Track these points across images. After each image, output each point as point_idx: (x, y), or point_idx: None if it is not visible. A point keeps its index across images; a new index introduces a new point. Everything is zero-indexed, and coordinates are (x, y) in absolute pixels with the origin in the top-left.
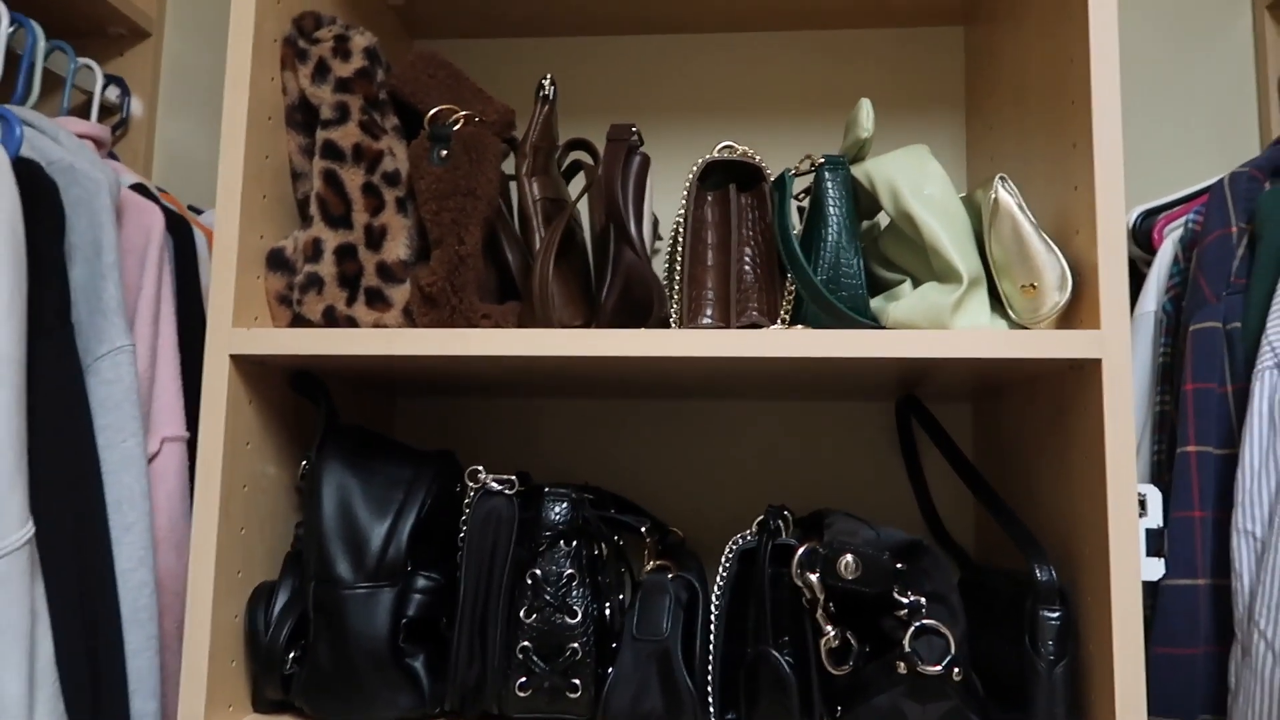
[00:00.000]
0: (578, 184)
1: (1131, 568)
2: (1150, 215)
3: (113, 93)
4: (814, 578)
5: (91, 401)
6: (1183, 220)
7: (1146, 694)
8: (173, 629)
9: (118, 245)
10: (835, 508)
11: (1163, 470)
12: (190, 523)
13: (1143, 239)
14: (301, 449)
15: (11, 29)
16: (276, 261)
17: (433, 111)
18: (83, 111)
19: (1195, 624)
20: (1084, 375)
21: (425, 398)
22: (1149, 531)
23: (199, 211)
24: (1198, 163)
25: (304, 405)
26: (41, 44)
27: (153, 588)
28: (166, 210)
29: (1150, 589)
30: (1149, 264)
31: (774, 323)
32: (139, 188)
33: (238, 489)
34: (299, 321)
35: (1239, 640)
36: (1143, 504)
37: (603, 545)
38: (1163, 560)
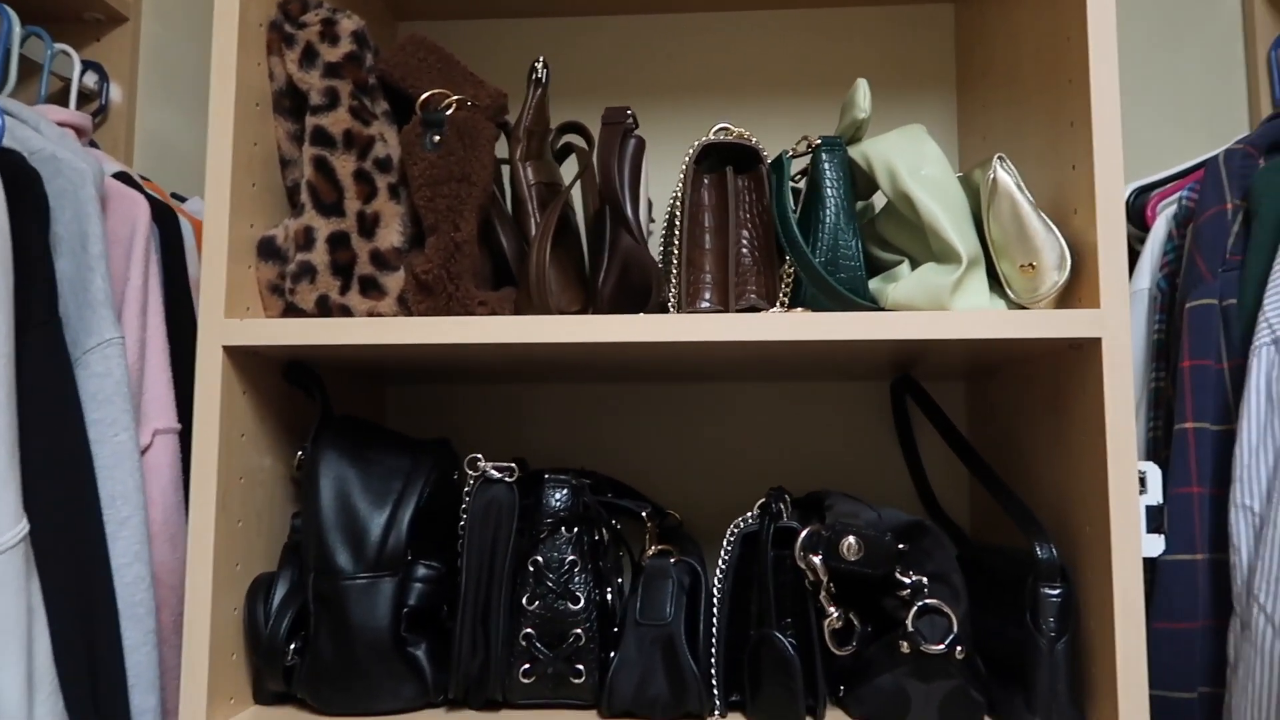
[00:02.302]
0: (568, 166)
1: (1133, 545)
2: (1143, 192)
3: (90, 79)
4: (817, 560)
5: (82, 395)
6: (1176, 197)
7: (1148, 668)
8: (169, 623)
9: (104, 236)
10: (831, 488)
11: (1158, 447)
12: (184, 515)
13: (1136, 216)
14: (296, 440)
15: None
16: (268, 250)
17: (424, 96)
18: (60, 99)
19: (1194, 599)
20: (1083, 354)
21: (416, 385)
22: (1149, 508)
23: (182, 199)
24: (1188, 139)
25: (297, 395)
26: (18, 30)
27: (149, 582)
28: (151, 199)
29: (1149, 565)
30: (1142, 241)
31: (773, 305)
32: (122, 176)
33: (234, 481)
34: (291, 311)
35: (1238, 614)
36: (1143, 481)
37: (603, 530)
38: (1162, 537)
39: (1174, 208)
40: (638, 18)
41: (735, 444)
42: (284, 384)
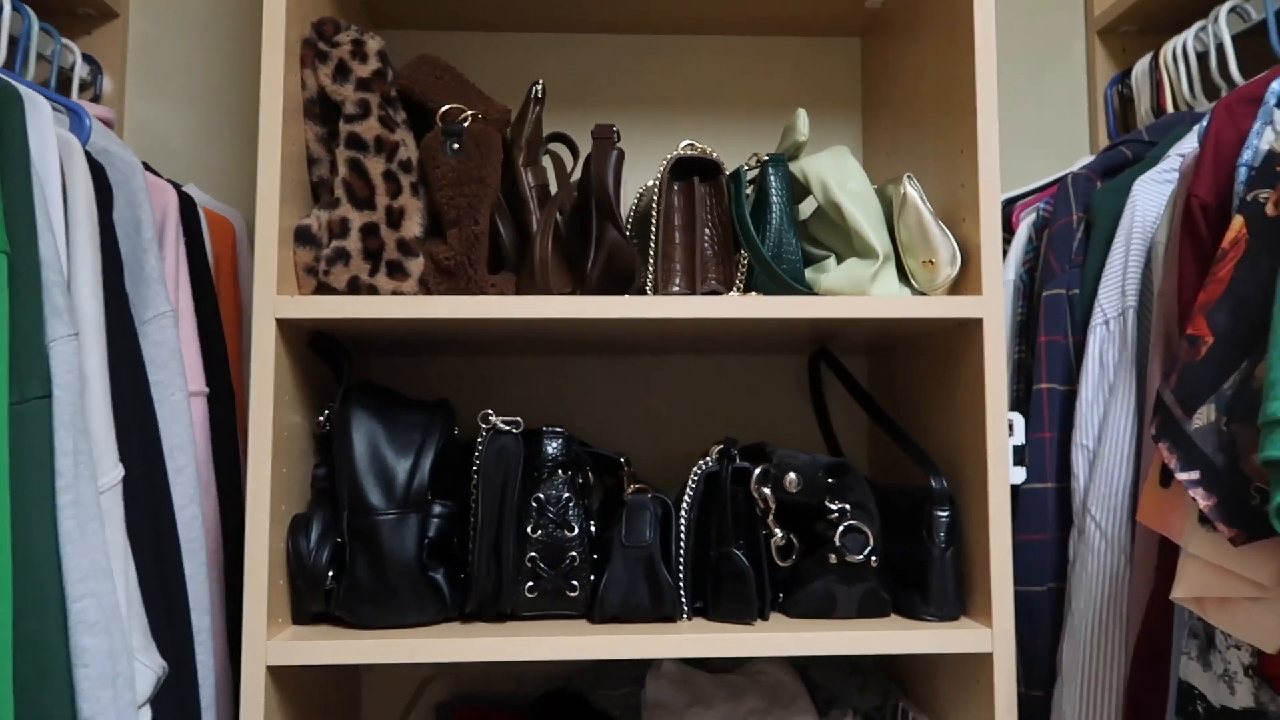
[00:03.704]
0: (546, 163)
1: (1003, 475)
2: (1010, 203)
3: (84, 71)
4: (766, 491)
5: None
6: (1035, 208)
7: (1012, 569)
8: (211, 557)
9: (153, 222)
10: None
11: (1020, 403)
12: (213, 466)
13: (1003, 222)
14: (314, 400)
15: None
16: (304, 237)
17: (444, 109)
18: (62, 88)
19: (1046, 516)
20: (968, 331)
21: (394, 356)
22: (1015, 448)
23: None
24: (1044, 160)
25: (316, 362)
26: (35, 27)
27: (201, 522)
28: (178, 188)
29: (1013, 491)
30: (1008, 242)
31: (730, 290)
32: (144, 166)
33: (281, 436)
34: (323, 289)
35: (1076, 525)
36: (1011, 427)
37: (587, 473)
38: (1024, 469)
39: (1033, 216)
40: (591, 36)
41: (674, 406)
42: (309, 352)
